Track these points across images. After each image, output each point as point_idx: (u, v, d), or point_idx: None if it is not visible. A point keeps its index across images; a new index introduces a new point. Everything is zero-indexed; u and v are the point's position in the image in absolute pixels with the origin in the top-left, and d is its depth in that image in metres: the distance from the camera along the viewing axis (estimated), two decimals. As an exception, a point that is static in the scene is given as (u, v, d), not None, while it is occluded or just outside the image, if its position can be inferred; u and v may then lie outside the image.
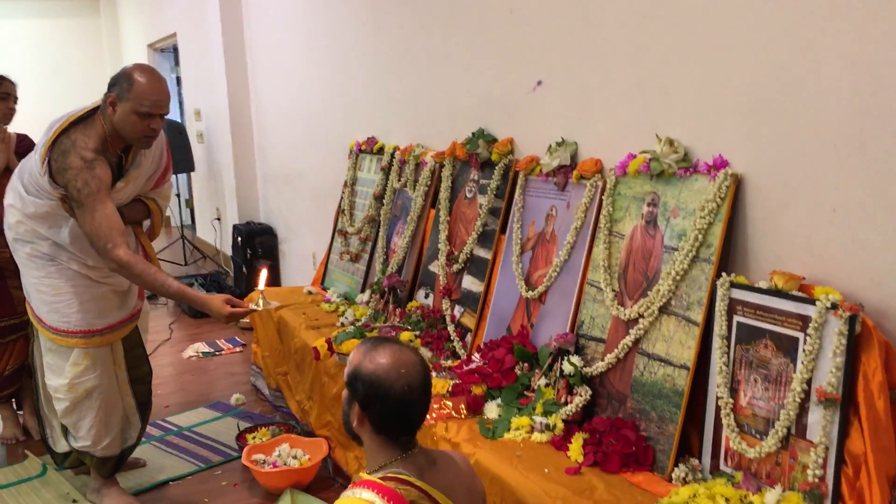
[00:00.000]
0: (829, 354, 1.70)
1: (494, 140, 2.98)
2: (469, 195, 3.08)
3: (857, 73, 1.72)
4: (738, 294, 1.93)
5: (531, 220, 2.72)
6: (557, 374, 2.35)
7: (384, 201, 3.66)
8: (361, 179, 3.96)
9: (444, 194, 3.19)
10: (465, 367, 2.60)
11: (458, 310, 3.00)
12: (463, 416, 2.37)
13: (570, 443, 2.12)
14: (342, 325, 3.36)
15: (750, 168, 2.00)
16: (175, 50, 8.09)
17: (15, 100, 3.39)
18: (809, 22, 1.81)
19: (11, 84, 3.37)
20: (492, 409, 2.37)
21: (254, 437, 3.26)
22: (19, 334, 3.27)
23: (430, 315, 3.09)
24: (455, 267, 3.03)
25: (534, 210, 2.72)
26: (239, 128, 5.79)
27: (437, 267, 3.15)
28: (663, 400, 2.07)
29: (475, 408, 2.39)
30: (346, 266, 3.90)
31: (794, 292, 1.82)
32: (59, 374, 2.67)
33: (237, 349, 4.75)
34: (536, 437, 2.20)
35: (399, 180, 3.58)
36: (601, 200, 2.41)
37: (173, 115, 8.43)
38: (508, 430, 2.25)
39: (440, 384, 2.48)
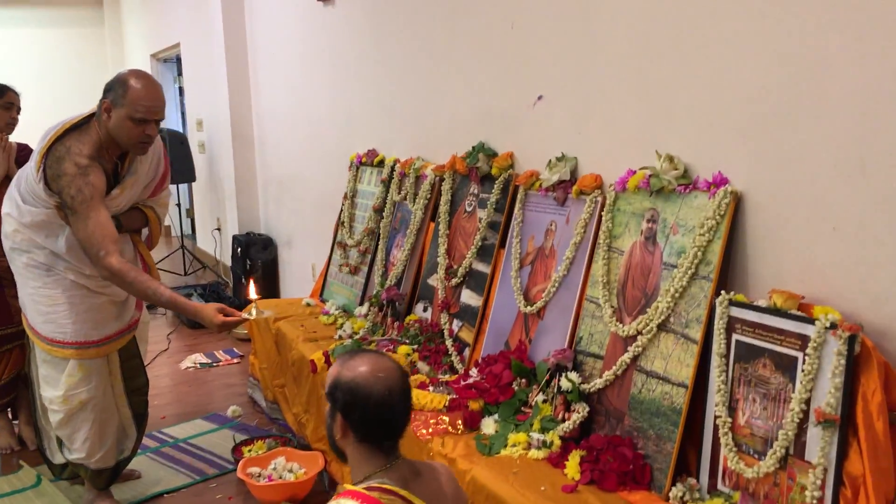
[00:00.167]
0: (828, 375, 1.69)
1: (495, 154, 2.98)
2: (469, 209, 3.08)
3: (858, 91, 1.71)
4: (737, 312, 1.92)
5: (530, 234, 2.72)
6: (555, 390, 2.34)
7: (384, 214, 3.66)
8: (361, 192, 3.96)
9: (443, 208, 3.19)
10: (463, 382, 2.59)
11: (456, 324, 2.98)
12: (459, 431, 2.36)
13: (567, 460, 2.10)
14: (340, 337, 3.35)
15: (750, 186, 1.99)
16: (178, 60, 8.12)
17: (18, 110, 3.41)
18: (810, 40, 1.81)
19: (15, 94, 3.39)
20: (489, 425, 2.35)
21: (249, 450, 3.24)
22: (15, 344, 3.27)
23: (428, 329, 3.08)
24: (454, 281, 3.02)
25: (533, 225, 2.72)
26: (240, 138, 5.80)
27: (435, 280, 3.14)
28: (661, 418, 2.05)
29: (472, 423, 2.38)
30: (345, 278, 3.89)
31: (794, 311, 1.81)
32: (55, 385, 2.65)
33: (235, 360, 4.73)
34: (533, 453, 2.18)
35: (399, 193, 3.58)
36: (601, 216, 2.41)
37: (175, 124, 8.49)
38: (505, 446, 2.23)
39: (437, 399, 2.47)
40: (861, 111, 1.71)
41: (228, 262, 6.21)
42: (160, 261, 6.87)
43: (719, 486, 1.93)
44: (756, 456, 1.85)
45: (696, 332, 2.01)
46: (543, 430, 2.25)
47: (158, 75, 8.57)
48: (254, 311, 2.40)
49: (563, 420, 2.26)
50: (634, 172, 2.29)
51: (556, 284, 2.52)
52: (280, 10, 5.05)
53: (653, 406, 2.09)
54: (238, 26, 5.64)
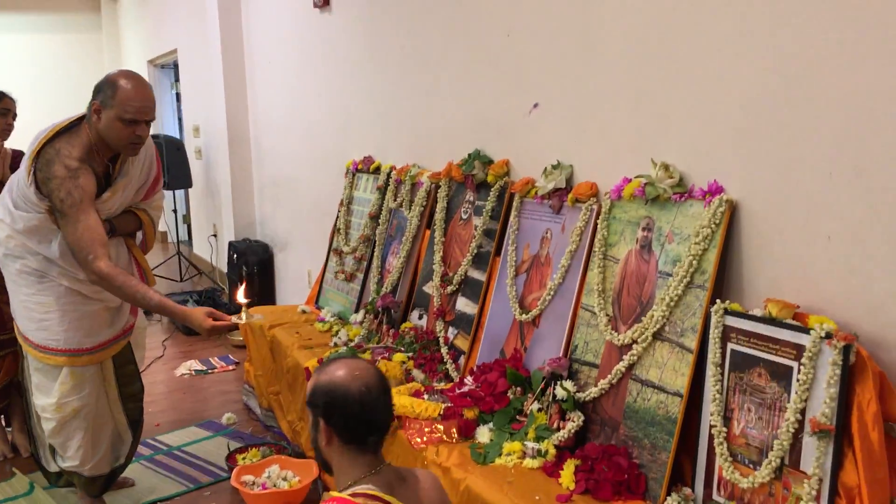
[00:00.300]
0: (824, 384, 1.68)
1: (490, 161, 2.98)
2: (464, 216, 3.08)
3: (853, 99, 1.71)
4: (733, 321, 1.92)
5: (526, 242, 2.71)
6: (550, 398, 2.33)
7: (380, 221, 3.65)
8: (357, 198, 3.95)
9: (439, 215, 3.18)
10: (458, 391, 2.58)
11: (451, 331, 2.98)
12: (454, 440, 2.35)
13: (562, 469, 2.09)
14: (335, 344, 3.34)
15: (745, 194, 1.99)
16: (175, 66, 8.13)
17: (14, 116, 3.41)
18: (806, 50, 1.81)
19: (11, 100, 3.38)
20: (483, 434, 2.34)
21: (244, 458, 3.22)
22: (8, 350, 3.25)
23: (423, 336, 3.07)
24: (449, 288, 3.02)
25: (529, 232, 2.71)
26: (237, 145, 5.80)
27: (431, 288, 3.14)
28: (656, 427, 2.05)
29: (467, 432, 2.37)
30: (341, 285, 3.88)
31: (789, 321, 1.80)
32: (48, 393, 2.64)
33: (230, 367, 4.72)
34: (528, 462, 2.17)
35: (395, 200, 3.57)
36: (596, 224, 2.40)
37: (172, 130, 8.49)
38: (500, 455, 2.22)
39: (432, 407, 2.46)
40: (856, 120, 1.71)
41: (224, 269, 6.19)
42: (156, 266, 6.85)
43: (714, 495, 1.92)
44: (751, 466, 1.84)
45: (692, 341, 2.00)
46: (538, 439, 2.24)
47: (155, 81, 8.57)
48: (244, 316, 2.38)
49: (558, 429, 2.25)
50: (630, 181, 2.29)
51: (552, 292, 2.51)
52: (277, 16, 5.05)
53: (648, 415, 2.08)
54: (235, 33, 5.65)
